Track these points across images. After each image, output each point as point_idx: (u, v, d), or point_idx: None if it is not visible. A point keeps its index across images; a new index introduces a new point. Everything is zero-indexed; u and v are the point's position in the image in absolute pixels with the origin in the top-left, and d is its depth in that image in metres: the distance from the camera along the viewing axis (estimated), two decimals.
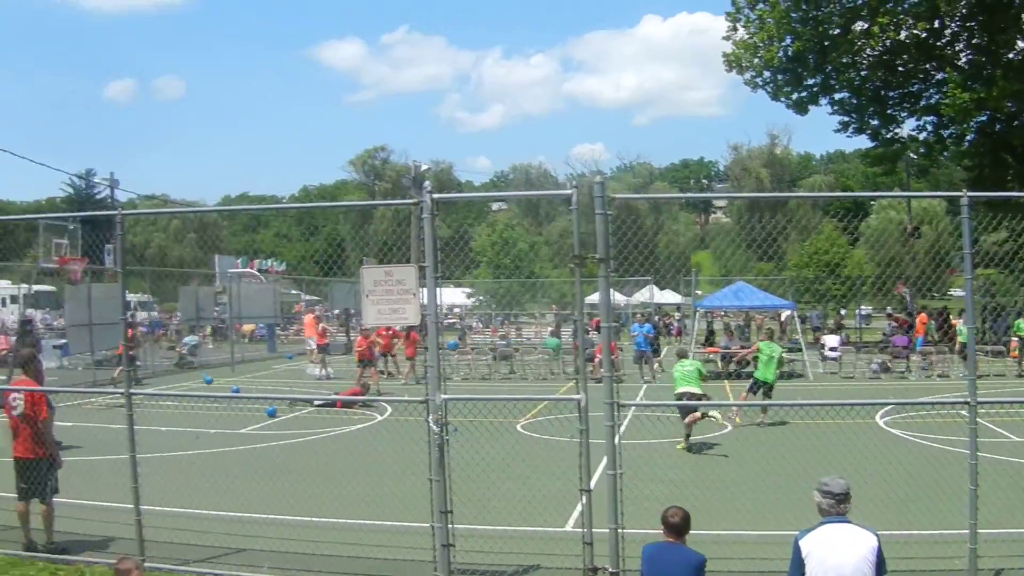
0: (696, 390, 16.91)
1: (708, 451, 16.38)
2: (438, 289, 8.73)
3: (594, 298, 10.00)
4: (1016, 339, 30.21)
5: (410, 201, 9.15)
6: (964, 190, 8.60)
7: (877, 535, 6.19)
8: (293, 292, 61.53)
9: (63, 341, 28.32)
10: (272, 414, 21.10)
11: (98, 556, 9.97)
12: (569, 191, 8.62)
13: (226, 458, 16.01)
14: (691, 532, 7.24)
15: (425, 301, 8.78)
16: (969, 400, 8.43)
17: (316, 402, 21.65)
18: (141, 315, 45.95)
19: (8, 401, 10.57)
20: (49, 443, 10.42)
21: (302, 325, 44.17)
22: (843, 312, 50.40)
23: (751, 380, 20.17)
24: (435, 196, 8.70)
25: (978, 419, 8.59)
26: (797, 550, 6.21)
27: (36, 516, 10.28)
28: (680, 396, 16.87)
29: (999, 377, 27.75)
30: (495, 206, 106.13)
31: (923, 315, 38.13)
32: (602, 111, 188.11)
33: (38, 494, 10.26)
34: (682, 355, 18.75)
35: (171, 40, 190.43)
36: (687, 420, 16.44)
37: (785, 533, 8.46)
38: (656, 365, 29.30)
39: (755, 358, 20.77)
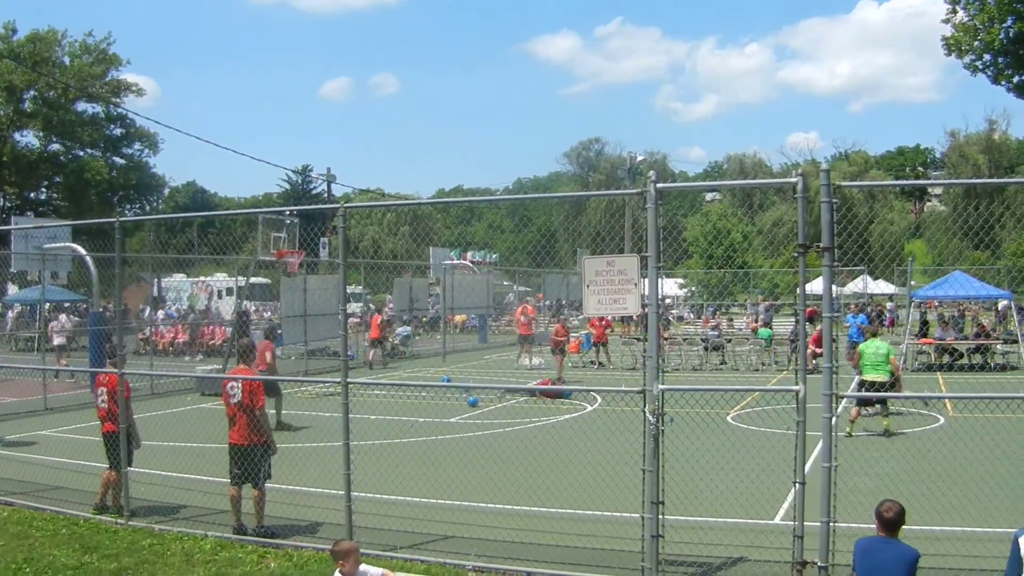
0: (883, 378, 16.65)
1: (918, 444, 15.50)
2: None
3: (810, 288, 9.51)
4: None
5: (634, 191, 8.94)
6: None
7: None
8: (505, 283, 62.19)
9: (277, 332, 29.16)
10: (474, 404, 21.21)
11: (307, 540, 10.13)
12: (794, 179, 8.25)
13: (434, 447, 16.09)
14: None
15: (646, 291, 8.66)
16: None
17: (529, 390, 21.56)
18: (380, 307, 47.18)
19: (226, 389, 10.83)
20: (265, 430, 10.62)
21: (514, 316, 44.56)
22: None
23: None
24: (659, 185, 8.53)
25: None
26: (1016, 547, 6.07)
27: (247, 500, 10.51)
28: (863, 383, 16.79)
29: None
30: (708, 196, 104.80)
31: None
32: (817, 99, 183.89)
33: (251, 479, 10.48)
34: (874, 334, 18.46)
35: (386, 38, 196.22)
36: (852, 414, 16.64)
37: (999, 531, 7.96)
38: None
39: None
